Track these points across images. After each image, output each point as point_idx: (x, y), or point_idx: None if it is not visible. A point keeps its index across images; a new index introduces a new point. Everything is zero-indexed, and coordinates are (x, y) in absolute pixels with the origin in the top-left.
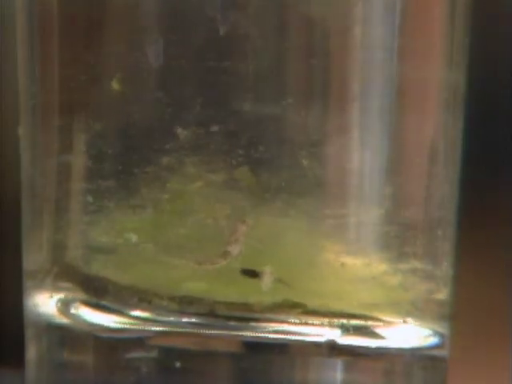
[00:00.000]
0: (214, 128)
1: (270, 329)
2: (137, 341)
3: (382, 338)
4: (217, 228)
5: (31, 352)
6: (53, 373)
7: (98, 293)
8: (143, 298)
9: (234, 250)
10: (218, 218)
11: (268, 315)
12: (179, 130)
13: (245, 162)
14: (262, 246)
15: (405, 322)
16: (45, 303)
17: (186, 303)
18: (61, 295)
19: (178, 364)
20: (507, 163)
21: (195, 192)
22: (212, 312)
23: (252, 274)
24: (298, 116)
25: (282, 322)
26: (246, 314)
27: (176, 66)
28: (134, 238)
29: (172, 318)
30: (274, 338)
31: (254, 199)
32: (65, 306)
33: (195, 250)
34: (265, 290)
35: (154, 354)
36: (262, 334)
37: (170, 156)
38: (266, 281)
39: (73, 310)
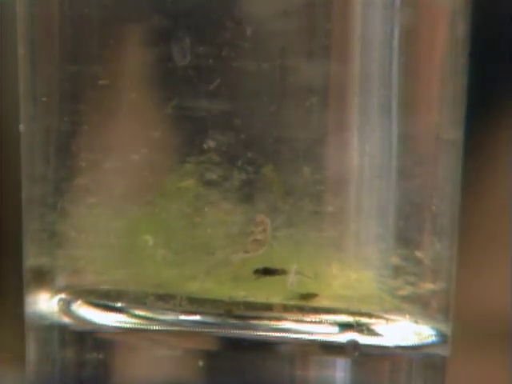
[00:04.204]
0: (235, 126)
1: (281, 327)
2: (139, 340)
3: (382, 336)
4: (239, 224)
5: (32, 351)
6: (54, 372)
7: (101, 292)
8: (155, 297)
9: (263, 238)
10: (243, 217)
11: (281, 314)
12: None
13: (268, 161)
14: (282, 244)
15: (407, 320)
16: (46, 302)
17: (201, 303)
18: (62, 294)
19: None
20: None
21: (215, 190)
22: (228, 312)
23: (273, 272)
24: (322, 115)
25: (283, 319)
26: (262, 313)
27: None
28: (150, 240)
29: (182, 317)
30: (281, 337)
31: (276, 198)
32: (66, 305)
33: (219, 246)
34: (290, 288)
35: (177, 352)
36: (274, 334)
37: (189, 156)
38: (292, 279)
39: (74, 309)
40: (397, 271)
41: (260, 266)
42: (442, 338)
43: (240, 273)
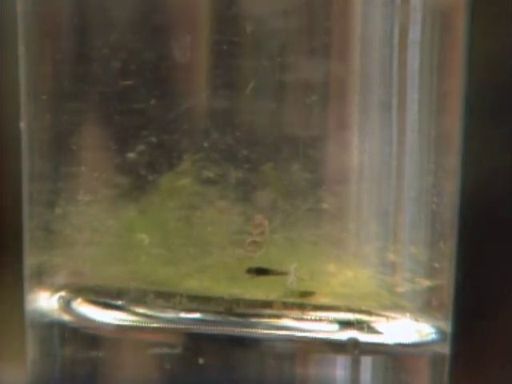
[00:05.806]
0: (235, 124)
1: (281, 325)
2: (139, 338)
3: (382, 333)
4: (237, 222)
5: (32, 349)
6: (54, 370)
7: (101, 290)
8: (155, 295)
9: (262, 241)
10: (241, 215)
11: (281, 312)
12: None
13: (267, 159)
14: (281, 242)
15: (407, 318)
16: (46, 300)
17: (201, 301)
18: (62, 292)
19: (171, 363)
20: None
21: (212, 189)
22: (228, 310)
23: (266, 272)
24: (322, 114)
25: (283, 317)
26: (262, 311)
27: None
28: (146, 238)
29: (182, 315)
30: (281, 335)
31: (276, 196)
32: (66, 303)
33: (216, 245)
34: (290, 286)
35: (177, 350)
36: (274, 331)
37: (188, 155)
38: (292, 278)
39: (74, 307)
40: (395, 269)
41: (257, 265)
42: (442, 335)
43: (237, 272)
